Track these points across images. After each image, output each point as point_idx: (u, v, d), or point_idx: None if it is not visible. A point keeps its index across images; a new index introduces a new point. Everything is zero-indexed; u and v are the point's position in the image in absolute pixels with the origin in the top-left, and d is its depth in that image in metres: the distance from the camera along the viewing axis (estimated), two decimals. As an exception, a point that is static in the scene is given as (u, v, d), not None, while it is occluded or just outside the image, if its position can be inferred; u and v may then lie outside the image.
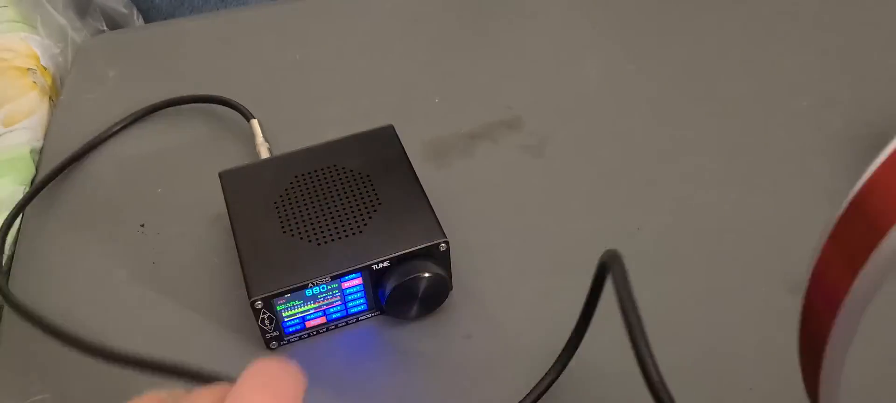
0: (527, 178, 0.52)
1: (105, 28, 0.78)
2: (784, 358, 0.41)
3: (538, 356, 0.40)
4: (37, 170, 0.55)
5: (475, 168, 0.53)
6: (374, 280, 0.42)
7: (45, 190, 0.52)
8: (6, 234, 0.49)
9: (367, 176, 0.45)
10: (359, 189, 0.44)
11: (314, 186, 0.45)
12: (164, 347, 0.44)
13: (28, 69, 0.61)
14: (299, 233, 0.42)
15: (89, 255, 0.49)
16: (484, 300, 0.45)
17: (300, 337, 0.43)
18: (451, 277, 0.43)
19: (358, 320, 0.44)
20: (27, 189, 0.53)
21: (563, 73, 0.60)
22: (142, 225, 0.50)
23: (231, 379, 0.27)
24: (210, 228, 0.49)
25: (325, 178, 0.45)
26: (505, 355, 0.42)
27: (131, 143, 0.56)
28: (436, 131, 0.55)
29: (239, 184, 0.45)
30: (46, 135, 0.58)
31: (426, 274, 0.41)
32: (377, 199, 0.43)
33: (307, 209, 0.43)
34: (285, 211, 0.43)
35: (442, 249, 0.42)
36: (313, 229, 0.42)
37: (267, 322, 0.41)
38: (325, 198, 0.44)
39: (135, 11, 0.82)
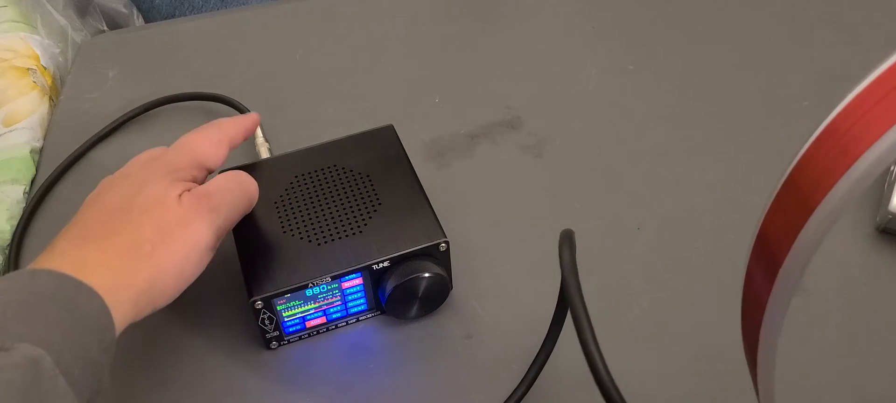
0: (527, 178, 0.52)
1: (105, 28, 0.78)
2: (784, 358, 0.41)
3: (538, 356, 0.40)
4: (37, 170, 0.55)
5: (475, 168, 0.53)
6: (374, 280, 0.42)
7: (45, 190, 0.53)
8: (20, 246, 0.49)
9: (367, 176, 0.45)
10: (359, 189, 0.44)
11: (314, 186, 0.45)
12: (164, 347, 0.44)
13: (28, 69, 0.61)
14: (299, 233, 0.42)
15: (89, 255, 0.49)
16: (484, 300, 0.45)
17: (300, 337, 0.43)
18: (451, 277, 0.43)
19: (358, 320, 0.44)
20: (27, 189, 0.53)
21: (563, 73, 0.60)
22: (142, 225, 0.50)
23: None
24: (210, 228, 0.49)
25: (325, 178, 0.45)
26: (505, 355, 0.42)
27: (132, 143, 0.56)
28: (436, 131, 0.55)
29: (239, 184, 0.45)
30: (46, 135, 0.58)
31: (426, 274, 0.41)
32: (377, 199, 0.43)
33: (307, 209, 0.43)
34: (285, 211, 0.43)
35: (442, 249, 0.42)
36: (313, 229, 0.42)
37: (267, 322, 0.41)
38: (325, 198, 0.44)
39: (135, 11, 0.82)
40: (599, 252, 0.47)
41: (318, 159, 0.46)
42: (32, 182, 0.54)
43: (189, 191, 0.38)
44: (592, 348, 0.28)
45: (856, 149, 0.16)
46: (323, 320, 0.43)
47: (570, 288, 0.29)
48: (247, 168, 0.47)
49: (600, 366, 0.28)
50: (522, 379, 0.39)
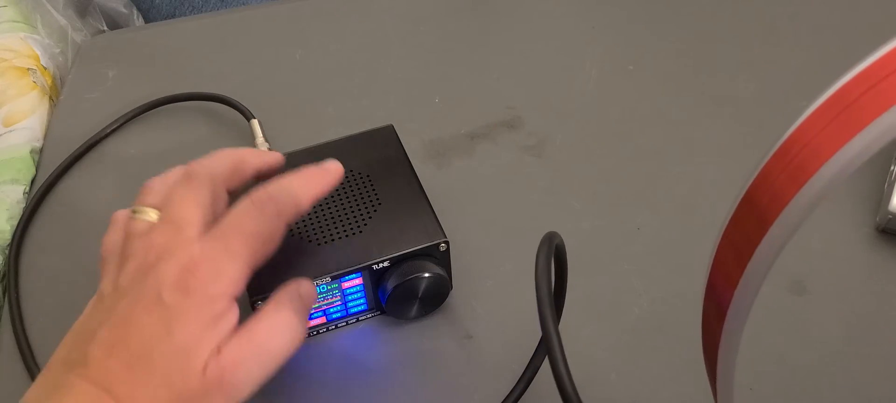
0: (527, 178, 0.52)
1: (105, 28, 0.78)
2: (784, 358, 0.41)
3: (538, 356, 0.40)
4: (37, 170, 0.55)
5: (475, 168, 0.53)
6: (374, 280, 0.42)
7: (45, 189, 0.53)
8: (20, 246, 0.49)
9: (367, 176, 0.45)
10: (359, 189, 0.44)
11: (314, 186, 0.45)
12: (164, 347, 0.44)
13: (28, 69, 0.61)
14: (299, 233, 0.42)
15: (90, 255, 0.49)
16: (484, 300, 0.45)
17: (300, 337, 0.43)
18: (451, 277, 0.43)
19: (358, 320, 0.44)
20: (27, 189, 0.53)
21: (563, 73, 0.60)
22: (142, 225, 0.50)
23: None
24: (210, 228, 0.49)
25: (325, 178, 0.45)
26: (505, 355, 0.42)
27: (131, 143, 0.56)
28: (436, 131, 0.55)
29: (239, 184, 0.45)
30: (46, 135, 0.58)
31: (426, 274, 0.41)
32: (377, 199, 0.43)
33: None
34: (285, 211, 0.43)
35: (442, 249, 0.42)
36: (313, 229, 0.42)
37: (267, 322, 0.41)
38: (325, 198, 0.44)
39: (135, 11, 0.82)
40: (599, 252, 0.47)
41: (318, 159, 0.46)
42: (32, 182, 0.54)
43: (220, 351, 0.31)
44: (557, 353, 0.28)
45: (811, 166, 0.17)
46: (323, 320, 0.43)
47: (539, 290, 0.29)
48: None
49: (564, 376, 0.28)
50: (519, 379, 0.39)
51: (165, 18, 0.81)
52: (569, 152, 0.54)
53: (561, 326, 0.38)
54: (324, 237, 0.42)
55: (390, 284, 0.41)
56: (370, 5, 0.68)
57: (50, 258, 0.49)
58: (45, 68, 0.63)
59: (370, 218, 0.43)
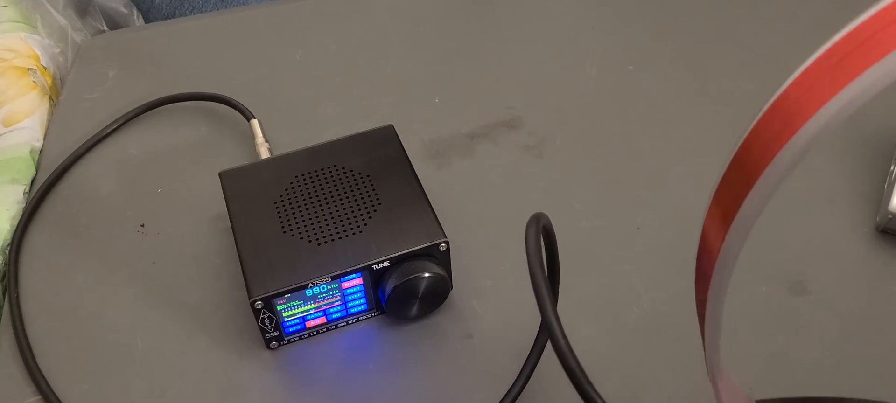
0: (527, 178, 0.52)
1: (105, 28, 0.78)
2: (784, 357, 0.41)
3: (538, 356, 0.40)
4: (37, 170, 0.55)
5: (475, 168, 0.53)
6: (374, 280, 0.42)
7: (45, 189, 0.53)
8: (20, 245, 0.49)
9: (367, 176, 0.45)
10: (359, 189, 0.44)
11: (314, 186, 0.45)
12: (164, 347, 0.44)
13: (28, 69, 0.61)
14: (299, 233, 0.42)
15: (89, 255, 0.49)
16: (484, 300, 0.45)
17: (300, 337, 0.43)
18: (451, 277, 0.43)
19: (358, 320, 0.44)
20: (27, 189, 0.53)
21: (563, 73, 0.60)
22: (142, 226, 0.50)
23: None
24: (210, 228, 0.49)
25: (325, 178, 0.45)
26: (505, 355, 0.42)
27: (131, 143, 0.56)
28: (436, 131, 0.55)
29: (239, 184, 0.45)
30: (46, 135, 0.58)
31: (426, 274, 0.41)
32: (377, 199, 0.43)
33: (307, 209, 0.43)
34: (285, 211, 0.43)
35: (442, 249, 0.42)
36: (313, 229, 0.42)
37: (267, 322, 0.41)
38: (325, 198, 0.44)
39: (135, 11, 0.82)
40: (599, 252, 0.47)
41: (318, 159, 0.46)
42: (32, 182, 0.54)
43: None
44: (554, 324, 0.28)
45: (798, 120, 0.17)
46: (323, 320, 0.43)
47: (531, 267, 0.29)
48: (247, 168, 0.47)
49: (566, 350, 0.27)
50: (518, 376, 0.39)
51: (165, 18, 0.81)
52: (569, 152, 0.54)
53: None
54: (324, 237, 0.42)
55: (390, 284, 0.41)
56: (370, 5, 0.68)
57: (50, 258, 0.49)
58: (45, 68, 0.63)
59: (370, 218, 0.43)
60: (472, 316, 0.44)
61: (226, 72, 0.61)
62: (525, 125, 0.56)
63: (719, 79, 0.59)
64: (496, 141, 0.55)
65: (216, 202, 0.46)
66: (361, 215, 0.43)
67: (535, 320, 0.44)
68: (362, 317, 0.44)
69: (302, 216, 0.43)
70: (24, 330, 0.44)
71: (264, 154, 0.52)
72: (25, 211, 0.51)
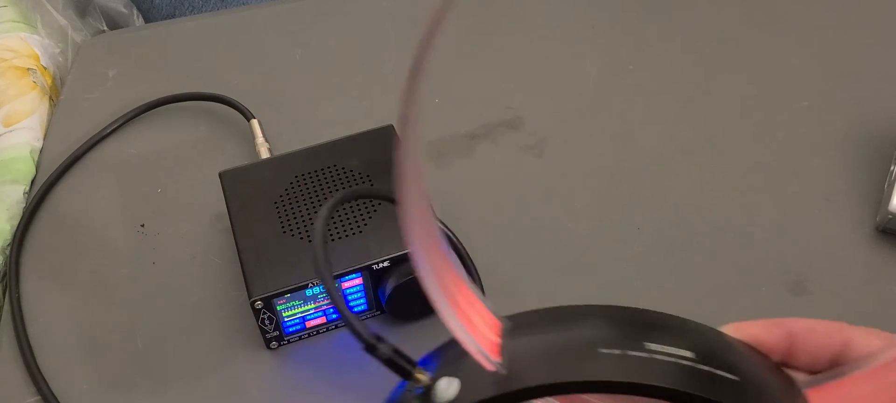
0: (527, 178, 0.52)
1: (105, 28, 0.78)
2: (784, 358, 0.41)
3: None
4: (37, 170, 0.55)
5: (475, 168, 0.53)
6: (374, 280, 0.42)
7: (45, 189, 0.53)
8: (20, 245, 0.49)
9: (367, 176, 0.45)
10: (359, 189, 0.44)
11: (314, 186, 0.45)
12: (165, 347, 0.44)
13: (28, 69, 0.61)
14: (299, 233, 0.42)
15: (89, 255, 0.49)
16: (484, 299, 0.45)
17: (300, 337, 0.43)
18: (451, 277, 0.43)
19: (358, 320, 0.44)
20: (27, 189, 0.53)
21: (563, 73, 0.60)
22: (142, 226, 0.50)
23: None
24: (210, 228, 0.49)
25: (325, 178, 0.45)
26: (505, 355, 0.42)
27: (131, 143, 0.56)
28: (436, 131, 0.55)
29: (239, 184, 0.45)
30: (46, 135, 0.58)
31: (426, 274, 0.41)
32: (377, 199, 0.43)
33: (307, 209, 0.43)
34: (285, 211, 0.43)
35: (442, 249, 0.42)
36: (313, 229, 0.42)
37: (267, 322, 0.41)
38: (325, 198, 0.44)
39: (135, 11, 0.82)
40: (599, 252, 0.47)
41: (318, 159, 0.46)
42: (32, 182, 0.54)
43: None
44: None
45: None
46: (323, 320, 0.43)
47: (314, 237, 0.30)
48: (247, 168, 0.47)
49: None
50: None
51: (165, 18, 0.81)
52: (569, 152, 0.54)
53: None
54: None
55: (390, 284, 0.41)
56: (370, 5, 0.68)
57: (50, 258, 0.49)
58: (45, 68, 0.63)
59: (370, 218, 0.43)
60: (472, 316, 0.44)
61: (226, 72, 0.61)
62: (525, 125, 0.56)
63: (719, 78, 0.59)
64: (496, 141, 0.55)
65: (216, 202, 0.46)
66: (361, 215, 0.43)
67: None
68: (362, 317, 0.44)
69: (302, 216, 0.43)
70: (24, 329, 0.44)
71: (264, 154, 0.52)
72: (25, 211, 0.51)
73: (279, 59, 0.63)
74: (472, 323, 0.27)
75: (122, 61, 0.64)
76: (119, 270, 0.48)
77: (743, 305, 0.44)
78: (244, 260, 0.41)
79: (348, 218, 0.43)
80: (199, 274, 0.47)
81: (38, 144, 0.57)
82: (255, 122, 0.55)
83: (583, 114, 0.57)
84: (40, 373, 0.42)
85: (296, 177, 0.45)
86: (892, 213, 0.45)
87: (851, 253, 0.46)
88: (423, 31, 0.20)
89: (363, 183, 0.44)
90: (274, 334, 0.42)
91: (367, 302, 0.43)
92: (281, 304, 0.41)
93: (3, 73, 0.60)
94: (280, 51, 0.64)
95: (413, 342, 0.43)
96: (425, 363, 0.26)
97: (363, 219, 0.42)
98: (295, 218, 0.43)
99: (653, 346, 0.25)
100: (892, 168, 0.48)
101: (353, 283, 0.41)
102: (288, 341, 0.43)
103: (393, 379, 0.27)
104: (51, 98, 0.61)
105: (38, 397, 0.42)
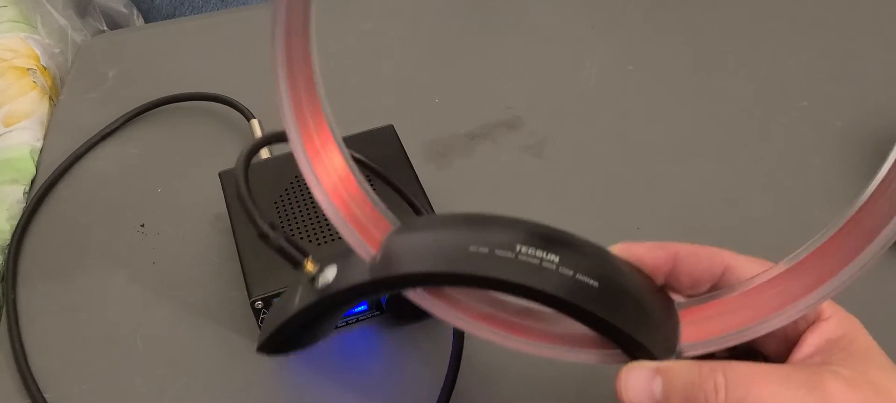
0: (527, 178, 0.52)
1: (105, 28, 0.78)
2: (784, 358, 0.41)
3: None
4: (37, 170, 0.55)
5: (475, 168, 0.53)
6: (374, 280, 0.42)
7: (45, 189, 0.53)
8: (20, 245, 0.49)
9: (368, 175, 0.45)
10: (359, 189, 0.44)
11: (314, 186, 0.45)
12: (164, 347, 0.44)
13: (28, 69, 0.61)
14: (299, 233, 0.42)
15: (89, 255, 0.49)
16: (484, 300, 0.45)
17: (300, 337, 0.43)
18: (451, 277, 0.43)
19: (358, 320, 0.44)
20: (27, 189, 0.53)
21: (563, 73, 0.60)
22: (142, 226, 0.50)
23: None
24: (210, 228, 0.49)
25: (325, 178, 0.45)
26: (504, 354, 0.42)
27: (131, 143, 0.56)
28: (436, 131, 0.55)
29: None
30: (46, 135, 0.58)
31: (426, 274, 0.41)
32: (377, 199, 0.43)
33: (307, 209, 0.43)
34: (285, 211, 0.43)
35: (442, 249, 0.42)
36: (313, 229, 0.42)
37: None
38: (325, 198, 0.44)
39: (135, 11, 0.82)
40: (599, 252, 0.47)
41: (318, 159, 0.46)
42: (32, 182, 0.54)
43: None
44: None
45: None
46: (323, 320, 0.43)
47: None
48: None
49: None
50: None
51: (165, 18, 0.81)
52: (569, 152, 0.54)
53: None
54: (324, 237, 0.42)
55: (390, 284, 0.41)
56: (370, 5, 0.68)
57: (50, 258, 0.49)
58: (45, 68, 0.63)
59: (370, 218, 0.42)
60: (472, 316, 0.44)
61: (226, 73, 0.61)
62: (525, 125, 0.56)
63: (719, 78, 0.59)
64: (496, 141, 0.55)
65: (216, 202, 0.46)
66: (361, 215, 0.43)
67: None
68: (362, 317, 0.44)
69: (302, 216, 0.43)
70: (18, 332, 0.44)
71: (264, 154, 0.52)
72: (25, 211, 0.51)
73: (279, 59, 0.63)
74: (358, 222, 0.30)
75: (121, 61, 0.64)
76: (119, 270, 0.48)
77: (743, 305, 0.44)
78: (244, 260, 0.41)
79: (348, 218, 0.43)
80: (199, 274, 0.47)
81: (38, 144, 0.57)
82: (255, 122, 0.55)
83: (583, 114, 0.57)
84: (33, 379, 0.42)
85: (296, 176, 0.45)
86: (892, 213, 0.45)
87: (851, 253, 0.46)
88: None
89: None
90: (274, 334, 0.42)
91: (367, 302, 0.43)
92: (281, 304, 0.40)
93: (3, 73, 0.60)
94: (280, 51, 0.64)
95: (413, 342, 0.43)
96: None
97: (363, 219, 0.42)
98: (295, 218, 0.43)
99: (524, 249, 0.27)
100: (892, 168, 0.48)
101: (353, 283, 0.41)
102: (288, 341, 0.43)
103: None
104: (51, 98, 0.61)
105: (28, 401, 0.41)
